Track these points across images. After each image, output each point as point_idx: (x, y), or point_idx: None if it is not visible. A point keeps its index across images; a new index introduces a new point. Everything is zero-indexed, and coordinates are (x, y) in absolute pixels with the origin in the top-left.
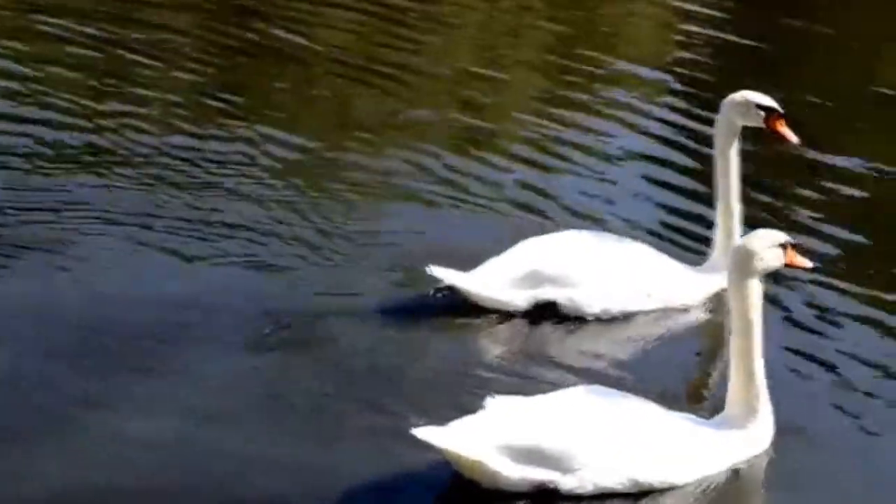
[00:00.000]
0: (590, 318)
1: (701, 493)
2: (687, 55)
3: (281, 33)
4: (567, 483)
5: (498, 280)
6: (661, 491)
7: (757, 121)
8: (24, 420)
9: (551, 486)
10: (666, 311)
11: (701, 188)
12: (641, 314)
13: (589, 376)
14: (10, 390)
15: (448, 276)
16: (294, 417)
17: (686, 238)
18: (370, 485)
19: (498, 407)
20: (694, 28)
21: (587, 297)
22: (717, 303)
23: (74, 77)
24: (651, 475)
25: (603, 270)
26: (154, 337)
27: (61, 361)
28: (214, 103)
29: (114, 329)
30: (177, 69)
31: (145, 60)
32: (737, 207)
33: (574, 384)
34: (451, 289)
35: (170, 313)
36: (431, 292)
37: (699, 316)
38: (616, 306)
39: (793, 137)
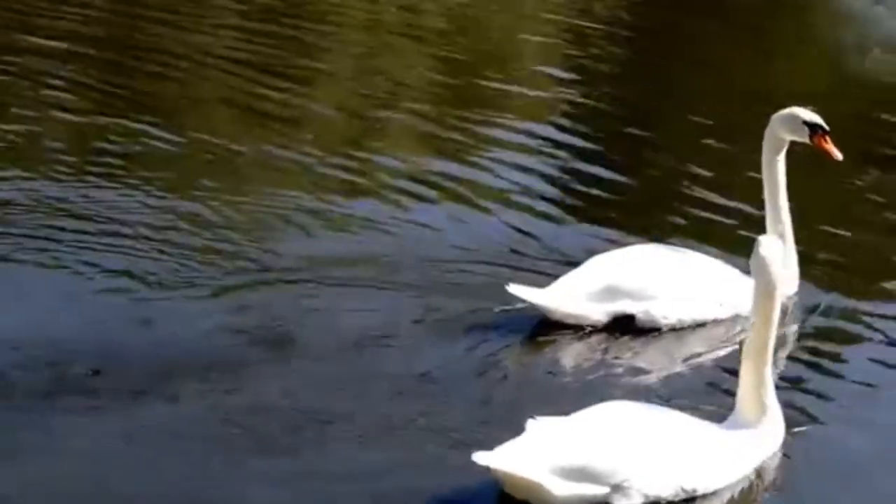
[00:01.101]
0: (664, 330)
1: (731, 494)
2: (579, 69)
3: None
4: (617, 498)
5: (575, 296)
6: (702, 496)
7: (803, 136)
8: None
9: (603, 502)
10: (734, 319)
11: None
12: (712, 323)
13: (667, 386)
14: None
15: (526, 293)
16: (347, 431)
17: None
18: None
19: (543, 427)
20: (585, 43)
21: (664, 309)
22: None
23: None
24: (693, 482)
25: (678, 282)
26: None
27: None
28: (102, 108)
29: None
30: (72, 73)
31: (38, 64)
32: (786, 215)
33: (651, 396)
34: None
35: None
36: (498, 310)
37: None
38: (690, 316)
39: (837, 154)
